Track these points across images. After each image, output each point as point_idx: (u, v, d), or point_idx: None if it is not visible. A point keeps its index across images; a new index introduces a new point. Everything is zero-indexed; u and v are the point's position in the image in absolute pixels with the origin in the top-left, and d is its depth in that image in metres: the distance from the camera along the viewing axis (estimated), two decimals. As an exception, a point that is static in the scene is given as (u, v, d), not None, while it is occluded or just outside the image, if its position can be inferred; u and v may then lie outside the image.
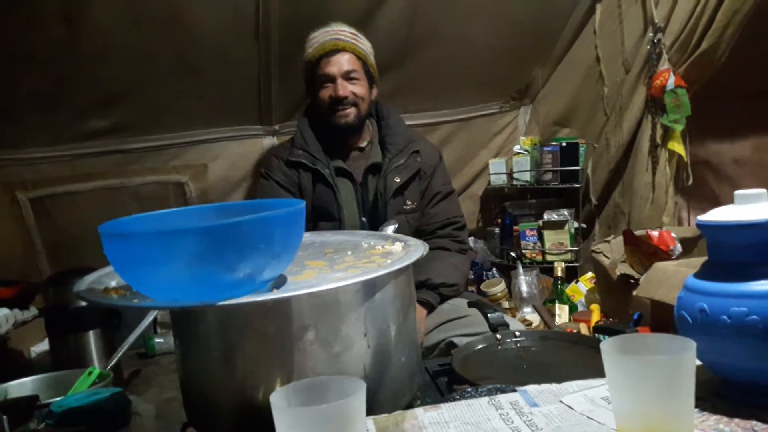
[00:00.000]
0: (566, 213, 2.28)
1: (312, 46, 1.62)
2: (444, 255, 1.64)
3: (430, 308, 1.57)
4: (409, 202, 1.65)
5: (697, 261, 1.11)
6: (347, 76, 1.59)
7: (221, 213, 0.84)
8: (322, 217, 1.63)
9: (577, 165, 2.25)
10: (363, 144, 1.70)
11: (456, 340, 1.43)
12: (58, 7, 1.62)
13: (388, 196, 1.61)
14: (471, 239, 2.41)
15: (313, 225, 1.63)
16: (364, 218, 1.65)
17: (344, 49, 1.59)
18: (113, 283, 0.80)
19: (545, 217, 2.29)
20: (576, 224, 2.29)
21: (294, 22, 1.87)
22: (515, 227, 2.38)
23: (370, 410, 0.66)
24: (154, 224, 0.81)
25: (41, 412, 0.94)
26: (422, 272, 1.57)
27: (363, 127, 1.68)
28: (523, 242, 2.33)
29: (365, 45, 1.66)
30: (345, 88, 1.58)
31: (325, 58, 1.59)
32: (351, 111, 1.60)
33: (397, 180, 1.62)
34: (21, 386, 1.13)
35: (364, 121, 1.68)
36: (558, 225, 2.28)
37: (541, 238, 2.31)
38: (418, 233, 1.65)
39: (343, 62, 1.58)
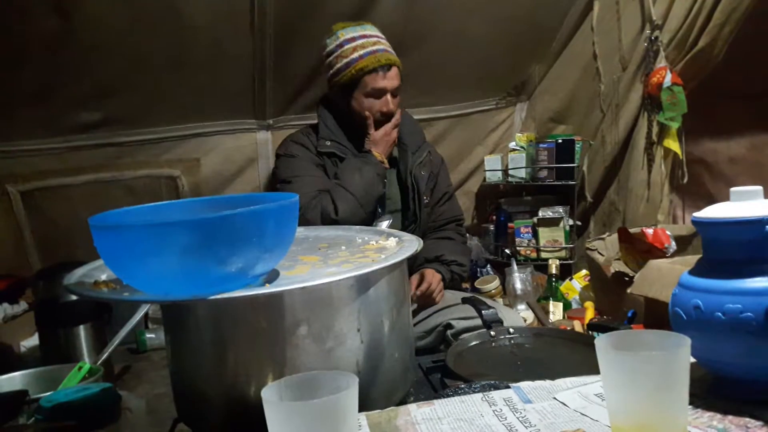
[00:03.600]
0: (561, 210, 2.28)
1: (358, 53, 1.62)
2: (453, 241, 1.77)
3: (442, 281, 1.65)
4: (425, 198, 1.73)
5: (692, 259, 1.11)
6: (394, 93, 1.65)
7: (213, 206, 0.83)
8: None
9: (573, 162, 2.25)
10: None
11: (453, 322, 1.46)
12: (51, -3, 1.60)
13: (423, 188, 1.70)
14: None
15: None
16: (380, 209, 1.69)
17: (395, 65, 1.65)
18: (104, 277, 0.79)
19: (540, 214, 2.29)
20: (571, 221, 2.29)
21: (289, 16, 1.86)
22: (510, 224, 2.38)
23: (363, 406, 0.66)
24: (145, 217, 0.80)
25: (30, 407, 0.93)
26: (435, 250, 1.70)
27: None
28: (517, 239, 2.33)
29: None
30: (394, 104, 1.65)
31: (381, 71, 1.62)
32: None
33: (424, 173, 1.71)
34: (10, 381, 1.12)
35: None
36: (553, 222, 2.28)
37: (535, 235, 2.31)
38: (427, 228, 1.77)
39: (394, 78, 1.64)
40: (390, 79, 1.62)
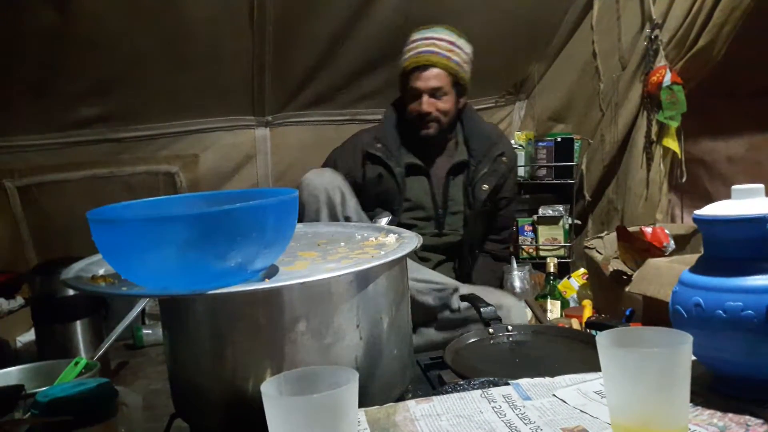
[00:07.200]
0: (561, 209, 2.28)
1: (407, 54, 1.62)
2: (489, 265, 1.79)
3: None
4: (488, 203, 1.70)
5: (691, 258, 1.11)
6: (433, 94, 1.59)
7: (213, 201, 0.83)
8: (382, 206, 1.64)
9: (572, 161, 2.25)
10: (447, 143, 1.70)
11: (462, 287, 1.47)
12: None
13: (478, 207, 1.65)
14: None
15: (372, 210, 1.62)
16: (440, 210, 1.67)
17: (436, 65, 1.58)
18: (101, 271, 0.79)
19: (540, 212, 2.29)
20: (570, 220, 2.29)
21: (288, 13, 1.85)
22: (512, 222, 2.38)
23: (362, 402, 0.65)
24: (143, 211, 0.79)
25: (26, 402, 0.93)
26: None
27: (444, 134, 1.68)
28: (521, 237, 2.33)
29: (460, 56, 1.64)
30: (430, 105, 1.59)
31: (417, 72, 1.59)
32: (432, 126, 1.62)
33: (485, 188, 1.65)
34: (6, 376, 1.11)
35: (448, 132, 1.68)
36: (553, 220, 2.28)
37: (535, 233, 2.31)
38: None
39: (431, 78, 1.59)
40: (424, 80, 1.58)
